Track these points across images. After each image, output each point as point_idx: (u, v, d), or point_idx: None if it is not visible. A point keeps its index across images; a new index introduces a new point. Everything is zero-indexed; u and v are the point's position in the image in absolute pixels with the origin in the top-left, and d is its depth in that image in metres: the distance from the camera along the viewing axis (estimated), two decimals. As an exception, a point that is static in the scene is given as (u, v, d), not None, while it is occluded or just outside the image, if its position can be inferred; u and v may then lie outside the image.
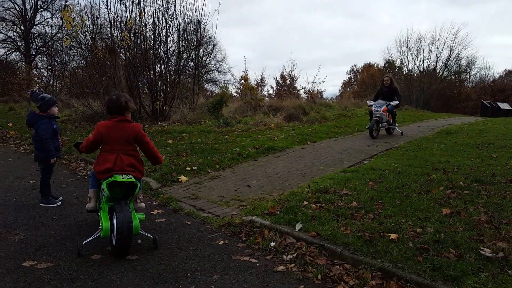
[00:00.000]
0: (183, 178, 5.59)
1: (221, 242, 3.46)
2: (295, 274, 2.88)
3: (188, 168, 5.98)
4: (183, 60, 12.94)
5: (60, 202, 4.47)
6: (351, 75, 44.52)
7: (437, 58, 28.63)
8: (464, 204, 3.94)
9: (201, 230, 3.79)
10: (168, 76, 12.01)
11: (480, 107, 22.93)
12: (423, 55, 28.90)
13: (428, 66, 29.13)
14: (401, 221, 3.52)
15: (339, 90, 41.23)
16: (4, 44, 27.45)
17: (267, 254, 3.22)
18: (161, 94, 11.45)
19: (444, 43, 27.79)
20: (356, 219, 3.63)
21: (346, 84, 43.80)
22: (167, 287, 2.62)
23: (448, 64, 28.86)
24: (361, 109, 16.56)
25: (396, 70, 31.44)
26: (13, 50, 27.93)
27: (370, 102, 9.33)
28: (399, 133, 9.51)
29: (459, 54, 28.40)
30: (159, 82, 11.74)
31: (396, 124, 9.70)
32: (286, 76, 30.87)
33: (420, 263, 2.79)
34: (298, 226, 3.49)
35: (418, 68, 29.59)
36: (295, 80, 26.48)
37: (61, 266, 2.85)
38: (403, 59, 30.16)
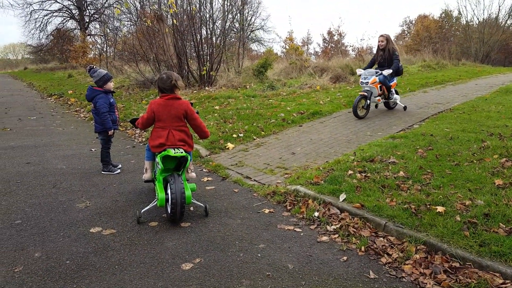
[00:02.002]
0: (230, 145, 5.78)
1: (267, 211, 3.62)
2: (339, 245, 2.97)
3: (234, 135, 6.15)
4: (228, 22, 12.83)
5: (119, 170, 4.86)
6: (404, 27, 41.40)
7: (499, 6, 25.72)
8: (521, 175, 3.72)
9: (248, 198, 3.96)
10: (214, 39, 12.02)
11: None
12: (484, 4, 26.09)
13: (489, 16, 26.30)
14: (450, 193, 3.42)
15: (391, 44, 38.65)
16: (60, 13, 28.79)
17: (311, 224, 3.32)
18: (207, 58, 11.55)
19: (509, -12, 24.63)
20: (402, 190, 3.59)
21: (398, 37, 40.90)
22: (217, 254, 2.84)
23: (513, 12, 25.78)
24: (414, 66, 15.59)
25: (454, 21, 28.75)
26: (68, 18, 29.25)
27: (359, 71, 7.24)
28: (401, 107, 7.65)
29: (526, 0, 25.17)
30: (205, 46, 11.81)
31: (398, 96, 7.65)
32: (333, 32, 29.56)
33: (467, 238, 2.74)
34: (342, 196, 3.53)
35: (478, 18, 26.84)
36: (343, 36, 25.29)
37: (123, 233, 3.18)
38: (460, 9, 27.41)
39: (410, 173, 3.98)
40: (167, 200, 3.30)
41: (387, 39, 7.09)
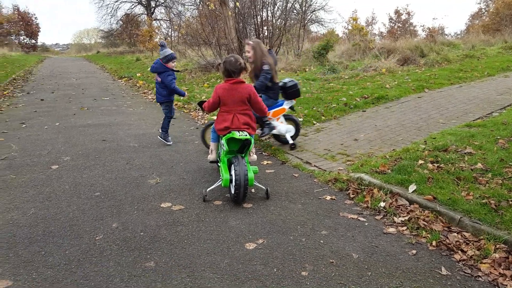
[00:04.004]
0: (290, 129, 5.72)
1: (328, 198, 3.56)
2: (407, 237, 2.83)
3: (295, 119, 6.08)
4: (290, 3, 12.59)
5: (171, 143, 5.28)
6: (481, 4, 37.50)
7: None
8: None
9: (308, 183, 3.93)
10: (274, 21, 11.90)
11: None
12: None
13: None
14: (538, 190, 3.09)
15: (466, 24, 35.43)
16: (129, -1, 30.40)
17: (376, 214, 3.21)
18: (267, 41, 11.48)
19: None
20: (480, 184, 3.31)
21: (474, 16, 37.25)
22: (279, 237, 2.86)
23: None
24: (493, 48, 14.15)
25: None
26: (136, 3, 30.77)
27: None
28: (288, 142, 5.08)
29: None
30: (265, 28, 11.75)
31: (283, 127, 5.02)
32: (401, 11, 27.83)
33: (559, 241, 2.47)
34: (412, 187, 3.35)
35: None
36: (412, 16, 23.71)
37: (190, 209, 3.33)
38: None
39: (490, 165, 3.65)
40: (231, 181, 3.40)
41: (254, 48, 4.78)
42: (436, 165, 3.75)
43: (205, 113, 7.14)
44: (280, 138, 5.27)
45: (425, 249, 2.69)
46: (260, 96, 4.57)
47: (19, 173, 4.24)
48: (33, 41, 37.72)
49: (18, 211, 3.29)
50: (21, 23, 34.43)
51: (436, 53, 12.16)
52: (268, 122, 4.94)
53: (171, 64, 5.17)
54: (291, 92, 4.95)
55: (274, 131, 5.03)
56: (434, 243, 2.72)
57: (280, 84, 4.93)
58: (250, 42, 4.86)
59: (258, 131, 4.96)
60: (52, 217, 3.18)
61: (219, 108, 3.59)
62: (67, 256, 2.61)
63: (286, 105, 5.02)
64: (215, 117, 5.15)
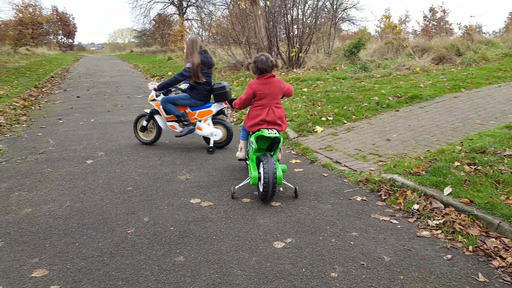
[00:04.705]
0: (318, 128, 5.66)
1: (359, 199, 3.48)
2: (442, 241, 2.72)
3: (323, 119, 6.01)
4: (321, 1, 12.43)
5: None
6: (525, 0, 35.47)
7: None
8: None
9: (338, 183, 3.86)
10: (305, 19, 11.79)
11: None
12: None
13: None
14: None
15: (505, 22, 33.74)
16: (161, -1, 31.10)
17: (409, 216, 3.10)
18: (297, 40, 11.39)
19: None
20: (521, 188, 3.13)
21: (514, 14, 35.32)
22: (308, 237, 2.82)
23: None
24: (538, 45, 13.35)
25: None
26: (168, 3, 31.42)
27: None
28: (210, 150, 4.93)
29: None
30: (295, 27, 11.66)
31: (204, 129, 4.96)
32: (436, 9, 26.90)
33: None
34: (447, 190, 3.22)
35: None
36: (447, 13, 22.84)
37: (219, 206, 3.35)
38: None
39: (532, 169, 3.45)
40: (259, 179, 3.39)
41: (187, 44, 4.85)
42: (473, 167, 3.58)
43: (234, 111, 7.19)
44: (207, 140, 5.09)
45: (461, 254, 2.57)
46: (186, 93, 4.92)
47: (56, 166, 4.43)
48: (70, 40, 39.37)
49: (55, 203, 3.44)
50: (59, 23, 36.00)
51: (473, 51, 11.63)
52: (187, 122, 4.90)
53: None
54: (218, 94, 4.84)
55: (199, 132, 4.99)
56: (470, 248, 2.60)
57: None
58: (187, 38, 4.84)
59: (178, 130, 5.04)
60: (86, 210, 3.30)
61: (250, 105, 3.61)
62: (100, 248, 2.68)
63: (214, 108, 4.92)
64: (147, 110, 5.20)
